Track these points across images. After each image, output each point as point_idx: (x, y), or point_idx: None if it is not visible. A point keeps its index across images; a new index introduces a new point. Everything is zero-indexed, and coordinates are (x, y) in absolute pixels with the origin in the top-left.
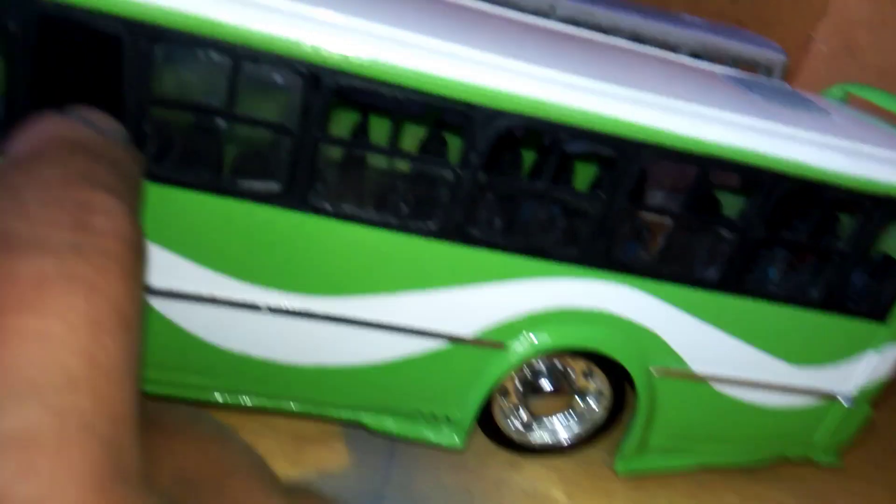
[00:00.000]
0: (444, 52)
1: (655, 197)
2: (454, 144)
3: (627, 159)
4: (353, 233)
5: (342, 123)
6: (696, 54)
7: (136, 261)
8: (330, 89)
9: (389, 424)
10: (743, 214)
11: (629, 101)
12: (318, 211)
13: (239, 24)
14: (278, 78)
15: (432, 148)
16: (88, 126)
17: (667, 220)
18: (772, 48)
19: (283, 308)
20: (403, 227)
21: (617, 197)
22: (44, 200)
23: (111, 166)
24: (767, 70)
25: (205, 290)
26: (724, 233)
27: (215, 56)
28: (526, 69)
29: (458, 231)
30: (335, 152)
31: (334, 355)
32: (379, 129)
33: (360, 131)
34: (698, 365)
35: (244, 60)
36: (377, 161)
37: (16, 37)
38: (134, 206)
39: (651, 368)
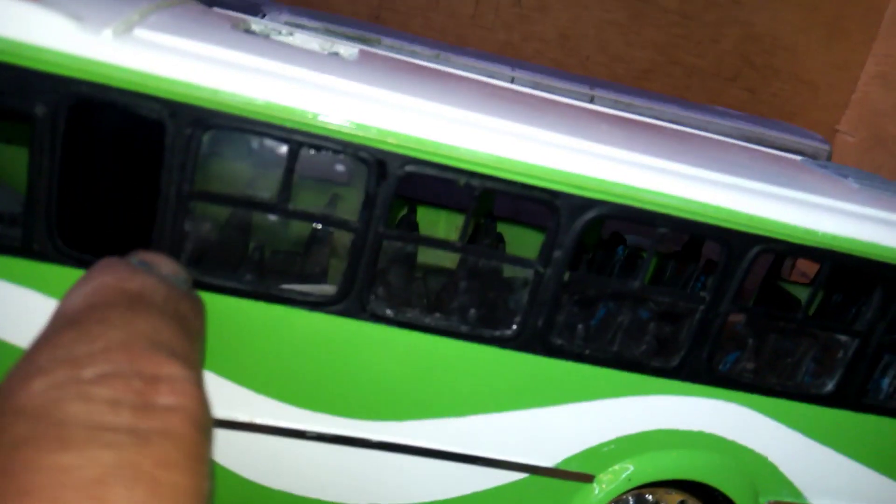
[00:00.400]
0: (528, 136)
1: None
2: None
3: (736, 254)
4: (415, 343)
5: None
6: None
7: (203, 441)
8: (398, 177)
9: None
10: (866, 317)
11: (739, 190)
12: (377, 319)
13: (302, 107)
14: (338, 167)
15: (485, 242)
16: (150, 273)
17: (771, 324)
18: (814, 138)
19: (335, 435)
20: (474, 337)
21: (722, 298)
22: (104, 375)
23: (175, 321)
24: (814, 159)
25: (243, 416)
26: (842, 338)
27: (269, 144)
28: (620, 154)
29: (538, 340)
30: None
31: (393, 493)
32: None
33: (409, 225)
34: (817, 497)
35: (306, 147)
36: (428, 258)
37: (43, 123)
38: (199, 367)
39: (763, 502)
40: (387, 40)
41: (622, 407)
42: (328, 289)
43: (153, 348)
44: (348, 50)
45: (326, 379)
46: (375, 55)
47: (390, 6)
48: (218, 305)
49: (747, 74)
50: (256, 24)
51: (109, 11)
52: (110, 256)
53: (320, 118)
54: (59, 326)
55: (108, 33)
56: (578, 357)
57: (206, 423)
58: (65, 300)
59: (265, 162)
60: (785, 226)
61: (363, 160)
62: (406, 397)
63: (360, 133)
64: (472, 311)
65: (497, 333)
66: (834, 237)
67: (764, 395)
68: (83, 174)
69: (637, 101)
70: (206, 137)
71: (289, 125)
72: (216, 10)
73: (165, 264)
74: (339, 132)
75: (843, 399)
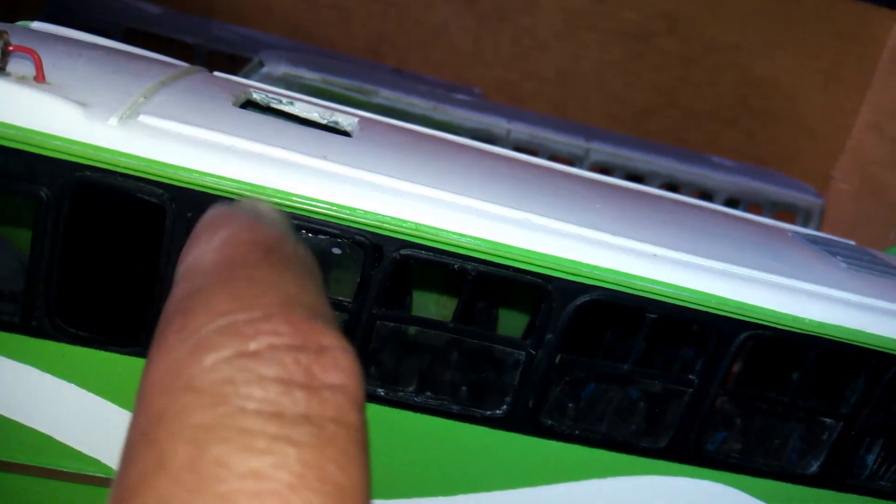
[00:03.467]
0: (521, 221)
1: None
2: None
3: (725, 340)
4: (401, 421)
5: None
6: (734, 199)
7: (367, 426)
8: (393, 260)
9: None
10: (851, 399)
11: (729, 277)
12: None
13: (301, 192)
14: (335, 250)
15: (478, 321)
16: (265, 222)
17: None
18: (808, 192)
19: None
20: (463, 416)
21: (711, 382)
22: (272, 348)
23: (312, 277)
24: (806, 214)
25: None
26: (827, 420)
27: None
28: (613, 240)
29: (526, 421)
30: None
31: None
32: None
33: (402, 304)
34: None
35: (304, 231)
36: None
37: (48, 205)
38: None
39: None
40: (384, 92)
41: (610, 487)
42: None
43: (309, 313)
44: (347, 119)
45: None
46: (375, 125)
47: (389, 41)
48: None
49: (745, 118)
50: (257, 93)
51: (117, 92)
52: (219, 203)
53: (318, 203)
54: (204, 287)
55: (113, 120)
56: (568, 438)
57: (365, 404)
58: (191, 255)
59: None
60: (773, 313)
61: (359, 244)
62: (391, 475)
63: (356, 218)
64: (460, 390)
65: (485, 413)
66: (821, 324)
67: (751, 476)
68: (83, 255)
69: (632, 155)
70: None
71: (287, 210)
72: (218, 75)
73: (270, 210)
74: (335, 217)
75: (828, 480)
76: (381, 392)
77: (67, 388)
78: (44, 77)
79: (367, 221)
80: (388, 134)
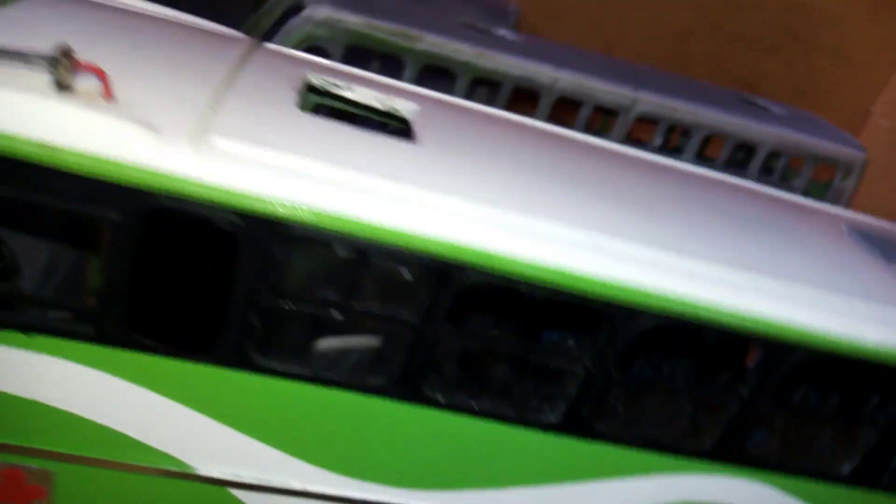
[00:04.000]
0: (590, 246)
1: None
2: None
3: (775, 362)
4: (466, 425)
5: None
6: (776, 152)
7: None
8: (459, 285)
9: None
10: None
11: (787, 301)
12: (430, 402)
13: (367, 218)
14: (404, 273)
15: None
16: None
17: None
18: (851, 144)
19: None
20: (521, 421)
21: (759, 398)
22: None
23: None
24: (847, 168)
25: (310, 486)
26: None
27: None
28: (671, 262)
29: (581, 426)
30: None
31: None
32: None
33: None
34: None
35: (374, 257)
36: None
37: (119, 229)
38: None
39: None
40: (429, 38)
41: (657, 484)
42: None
43: None
44: (406, 107)
45: (382, 454)
46: (435, 112)
47: None
48: (286, 390)
49: (787, 46)
50: (315, 77)
51: (185, 102)
52: None
53: (382, 228)
54: None
55: (186, 146)
56: (620, 441)
57: None
58: None
59: (331, 263)
60: (828, 338)
61: (423, 267)
62: (455, 470)
63: (421, 243)
64: (520, 398)
65: (542, 418)
66: (877, 350)
67: (791, 477)
68: (155, 274)
69: (678, 105)
70: (274, 245)
71: (354, 235)
72: (270, 48)
73: None
74: (402, 241)
75: (864, 479)
76: (441, 398)
77: (138, 390)
78: (111, 94)
79: (432, 247)
80: (452, 128)
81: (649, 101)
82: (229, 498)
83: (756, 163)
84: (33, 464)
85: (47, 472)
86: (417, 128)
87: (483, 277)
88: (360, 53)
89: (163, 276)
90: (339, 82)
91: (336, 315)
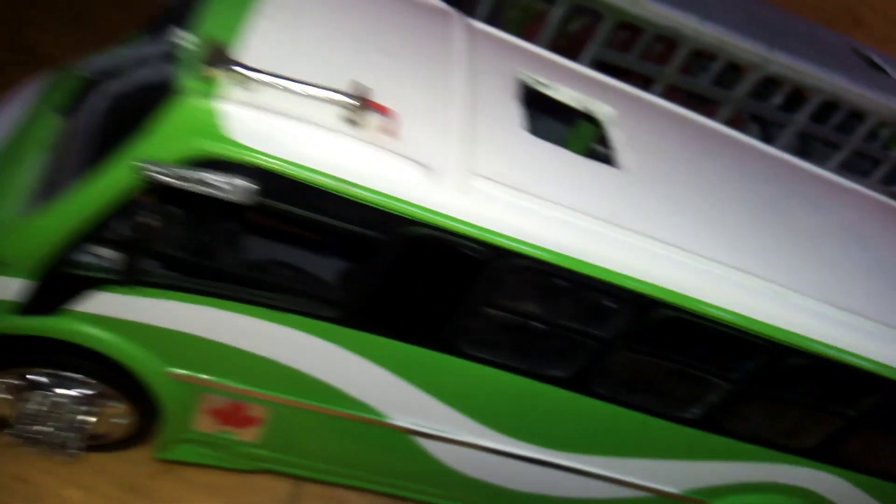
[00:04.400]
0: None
1: None
2: None
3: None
4: (615, 413)
5: None
6: (883, 122)
7: None
8: (657, 319)
9: None
10: None
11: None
12: (594, 395)
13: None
14: (609, 302)
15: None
16: None
17: None
18: None
19: (531, 457)
20: (664, 414)
21: (858, 422)
22: None
23: None
24: None
25: (466, 437)
26: None
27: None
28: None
29: (710, 423)
30: None
31: (559, 490)
32: None
33: None
34: None
35: (587, 288)
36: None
37: (384, 246)
38: None
39: None
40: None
41: (749, 467)
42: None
43: None
44: (603, 109)
45: (541, 425)
46: (632, 118)
47: None
48: (491, 375)
49: None
50: (525, 76)
51: (445, 137)
52: None
53: (599, 267)
54: None
55: (453, 187)
56: (732, 434)
57: None
58: None
59: (546, 286)
60: None
61: (633, 302)
62: (588, 440)
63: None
64: (668, 395)
65: (681, 414)
66: None
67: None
68: (404, 280)
69: (807, 70)
70: (504, 269)
71: (574, 270)
72: (479, 28)
73: None
74: (617, 280)
75: None
76: (604, 392)
77: (358, 359)
78: (394, 132)
79: (639, 287)
80: (656, 147)
81: (779, 62)
82: (410, 442)
83: (863, 130)
84: (256, 402)
85: (265, 409)
86: (618, 145)
87: (683, 315)
88: None
89: (407, 282)
90: (545, 81)
91: (540, 325)
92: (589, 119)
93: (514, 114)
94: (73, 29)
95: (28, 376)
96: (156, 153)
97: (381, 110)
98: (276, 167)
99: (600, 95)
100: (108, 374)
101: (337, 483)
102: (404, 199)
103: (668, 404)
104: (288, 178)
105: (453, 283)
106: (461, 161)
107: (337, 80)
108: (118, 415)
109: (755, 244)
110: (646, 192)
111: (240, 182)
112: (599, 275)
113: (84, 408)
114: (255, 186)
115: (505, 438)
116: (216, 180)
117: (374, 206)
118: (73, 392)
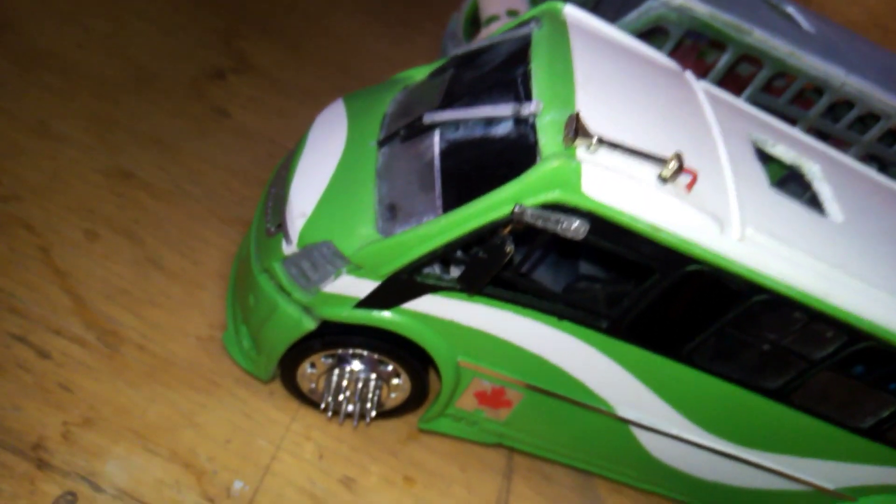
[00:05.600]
0: None
1: None
2: None
3: None
4: (806, 421)
5: None
6: None
7: None
8: (861, 349)
9: None
10: None
11: None
12: (792, 405)
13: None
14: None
15: None
16: None
17: None
18: None
19: (722, 451)
20: (844, 424)
21: None
22: None
23: None
24: None
25: (676, 431)
26: None
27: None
28: None
29: (877, 434)
30: None
31: (731, 478)
32: None
33: None
34: None
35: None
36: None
37: (665, 278)
38: None
39: None
40: (757, 33)
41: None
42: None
43: None
44: (810, 167)
45: (733, 423)
46: (832, 172)
47: None
48: (707, 381)
49: None
50: (756, 137)
51: (723, 195)
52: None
53: (831, 306)
54: None
55: (735, 237)
56: (891, 444)
57: None
58: None
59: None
60: None
61: (841, 331)
62: (767, 440)
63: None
64: (851, 409)
65: (851, 423)
66: None
67: None
68: (669, 306)
69: (880, 96)
70: (757, 302)
71: (812, 307)
72: (709, 90)
73: None
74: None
75: None
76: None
77: (615, 366)
78: (690, 188)
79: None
80: (856, 200)
81: (855, 85)
82: (626, 431)
83: None
84: (515, 388)
85: (519, 394)
86: (826, 198)
87: (880, 346)
88: (690, 34)
89: (670, 304)
90: (769, 139)
91: (764, 345)
92: (779, 165)
93: (760, 172)
94: (285, 49)
95: (339, 353)
96: (522, 198)
97: (689, 172)
98: (614, 216)
99: (803, 152)
100: (405, 357)
101: (545, 458)
102: (698, 243)
103: (850, 416)
104: (614, 223)
105: (710, 309)
106: (738, 215)
107: (645, 142)
108: (395, 391)
109: None
110: (859, 241)
111: (580, 224)
112: (827, 310)
113: (380, 383)
114: (588, 226)
115: (706, 434)
116: (565, 222)
117: (671, 247)
118: (371, 372)
